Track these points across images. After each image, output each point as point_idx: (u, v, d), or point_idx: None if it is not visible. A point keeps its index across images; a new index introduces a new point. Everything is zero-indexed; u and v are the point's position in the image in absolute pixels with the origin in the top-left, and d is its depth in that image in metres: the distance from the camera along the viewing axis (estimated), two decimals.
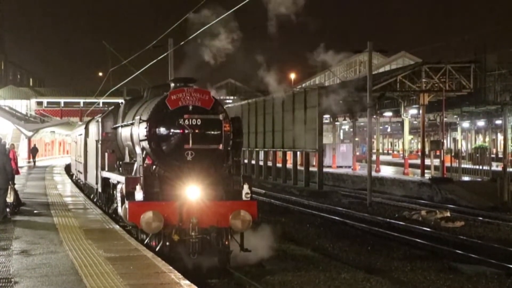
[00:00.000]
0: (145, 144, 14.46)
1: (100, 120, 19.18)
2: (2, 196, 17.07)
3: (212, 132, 14.39)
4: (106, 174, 17.69)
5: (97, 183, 19.90)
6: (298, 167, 43.47)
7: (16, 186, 20.39)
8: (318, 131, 38.12)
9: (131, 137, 15.72)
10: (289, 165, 45.63)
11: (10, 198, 18.85)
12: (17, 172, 21.08)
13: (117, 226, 15.60)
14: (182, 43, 25.29)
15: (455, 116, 57.12)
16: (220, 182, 14.62)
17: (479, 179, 33.60)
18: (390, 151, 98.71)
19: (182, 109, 14.25)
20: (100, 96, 58.27)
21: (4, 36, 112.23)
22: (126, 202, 14.11)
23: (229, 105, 57.50)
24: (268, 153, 49.40)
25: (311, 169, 41.91)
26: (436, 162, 40.13)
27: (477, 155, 36.34)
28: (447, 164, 37.20)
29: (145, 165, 14.38)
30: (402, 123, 50.28)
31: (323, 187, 39.03)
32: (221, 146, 14.41)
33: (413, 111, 44.88)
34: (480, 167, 34.18)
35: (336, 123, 56.94)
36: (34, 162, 53.22)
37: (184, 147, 14.14)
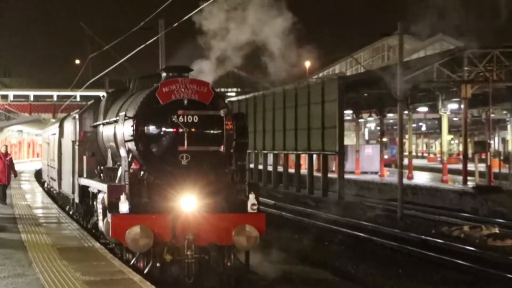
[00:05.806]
0: (131, 145, 14.50)
1: (77, 117, 19.25)
2: None
3: (212, 131, 14.41)
4: (84, 181, 17.74)
5: (73, 193, 19.97)
6: (315, 173, 43.50)
7: None
8: (338, 129, 38.14)
9: (114, 137, 15.77)
10: (304, 170, 45.64)
11: None
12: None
13: (98, 244, 15.65)
14: (176, 24, 25.32)
15: (504, 112, 57.03)
16: (221, 191, 14.64)
17: None
18: (425, 154, 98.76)
19: (176, 103, 14.29)
20: (77, 88, 58.44)
21: None
22: (109, 215, 14.15)
23: (232, 99, 57.61)
24: (279, 156, 49.43)
25: (330, 175, 41.92)
26: (482, 167, 40.08)
27: None
28: (495, 169, 37.17)
29: (131, 170, 14.41)
30: (439, 120, 50.24)
31: (345, 197, 39.03)
32: (222, 148, 14.43)
33: (453, 105, 44.88)
34: None
35: (360, 120, 56.95)
36: None
37: (178, 149, 14.17)
